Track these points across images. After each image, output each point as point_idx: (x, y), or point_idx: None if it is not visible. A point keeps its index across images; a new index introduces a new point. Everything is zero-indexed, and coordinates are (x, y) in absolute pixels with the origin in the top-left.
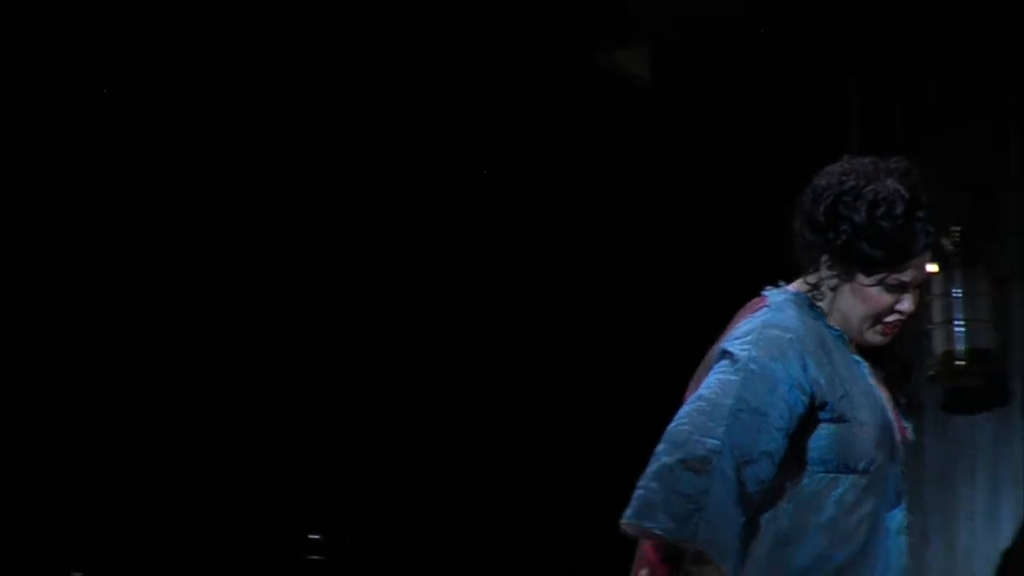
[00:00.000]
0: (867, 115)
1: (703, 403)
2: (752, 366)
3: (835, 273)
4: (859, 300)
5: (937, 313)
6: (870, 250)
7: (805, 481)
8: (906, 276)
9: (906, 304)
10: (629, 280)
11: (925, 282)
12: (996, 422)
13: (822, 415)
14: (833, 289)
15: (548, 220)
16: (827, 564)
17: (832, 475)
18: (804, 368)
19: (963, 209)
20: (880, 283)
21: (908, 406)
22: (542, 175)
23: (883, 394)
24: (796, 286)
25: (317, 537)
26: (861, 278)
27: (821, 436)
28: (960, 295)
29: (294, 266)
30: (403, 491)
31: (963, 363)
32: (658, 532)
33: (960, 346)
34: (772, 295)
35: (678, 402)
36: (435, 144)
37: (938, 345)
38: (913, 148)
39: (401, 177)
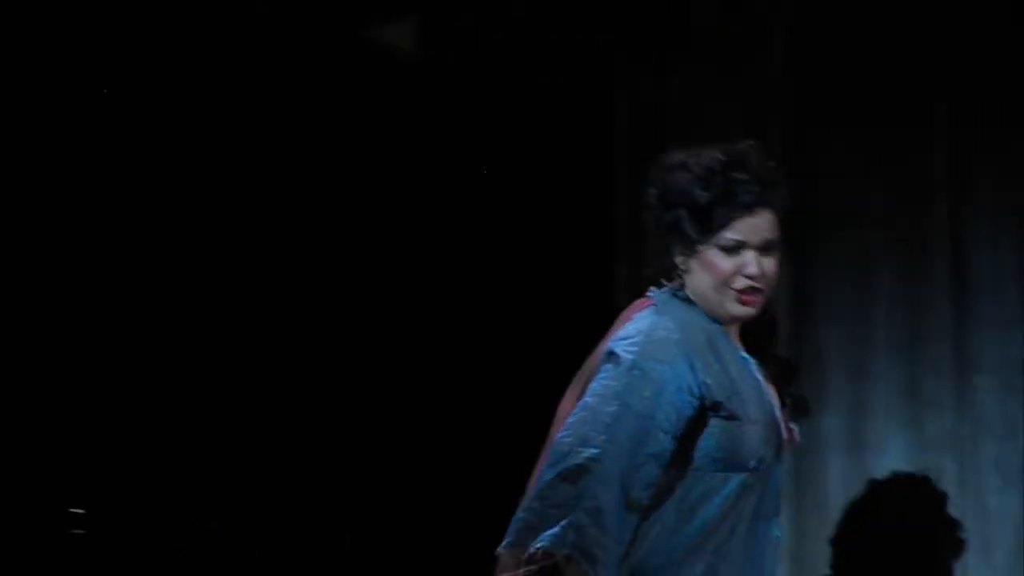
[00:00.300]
0: (633, 91)
1: (585, 412)
2: (637, 370)
3: (680, 252)
4: (705, 271)
5: None
6: (693, 213)
7: (693, 481)
8: (738, 234)
9: (752, 267)
10: (406, 265)
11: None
12: None
13: (712, 415)
14: (686, 272)
15: (310, 205)
16: (705, 560)
17: (722, 474)
18: (692, 368)
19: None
20: (716, 246)
21: (794, 408)
22: (309, 157)
23: (771, 392)
24: (673, 284)
25: (80, 511)
26: (699, 249)
27: (711, 435)
28: None
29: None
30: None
31: None
32: (538, 549)
33: None
34: (657, 295)
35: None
36: (191, 130)
37: None
38: (675, 127)
39: (155, 164)
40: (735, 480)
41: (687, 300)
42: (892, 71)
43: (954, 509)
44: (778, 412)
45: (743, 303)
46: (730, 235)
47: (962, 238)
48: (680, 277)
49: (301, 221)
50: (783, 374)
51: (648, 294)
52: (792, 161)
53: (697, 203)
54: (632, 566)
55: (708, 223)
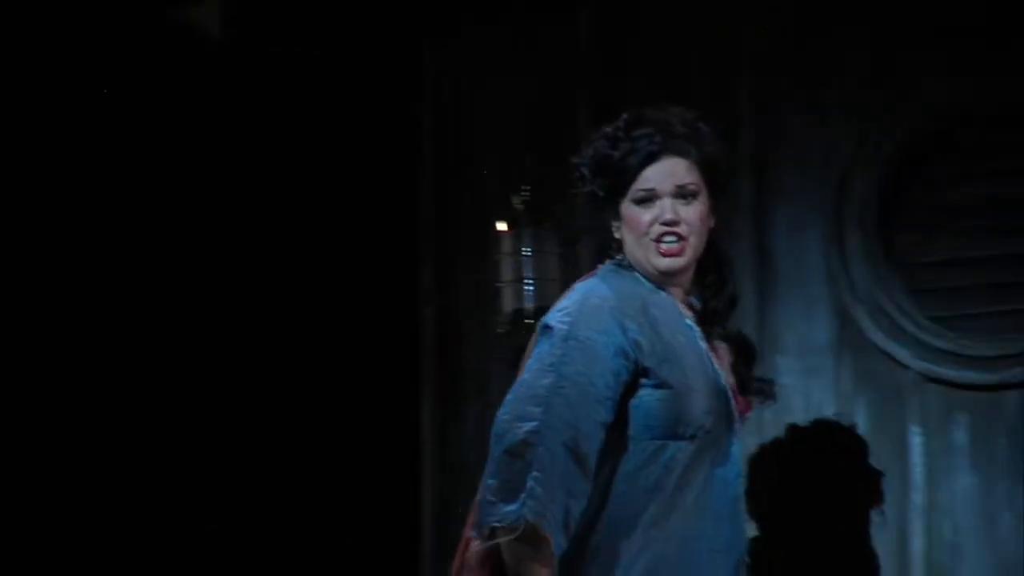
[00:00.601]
0: (440, 71)
1: (522, 388)
2: (572, 340)
3: (613, 221)
4: (628, 231)
5: (507, 272)
6: (607, 176)
7: (632, 448)
8: (646, 183)
9: (666, 213)
10: (200, 249)
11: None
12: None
13: (644, 381)
14: (619, 236)
15: (108, 190)
16: (654, 527)
17: (659, 441)
18: (625, 333)
19: (532, 169)
20: (631, 201)
21: (759, 392)
22: (111, 141)
23: (721, 363)
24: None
25: None
26: (621, 209)
27: (644, 403)
28: (529, 254)
29: None
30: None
31: (532, 321)
32: (498, 523)
33: (529, 304)
34: (602, 267)
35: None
36: None
37: (507, 304)
38: (483, 107)
39: None
40: (672, 448)
41: (629, 268)
42: (697, 49)
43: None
44: (725, 382)
45: (663, 253)
46: (639, 186)
47: (765, 222)
48: (620, 247)
49: (97, 205)
50: (738, 354)
51: (598, 266)
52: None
53: (607, 165)
54: (582, 535)
55: (621, 181)
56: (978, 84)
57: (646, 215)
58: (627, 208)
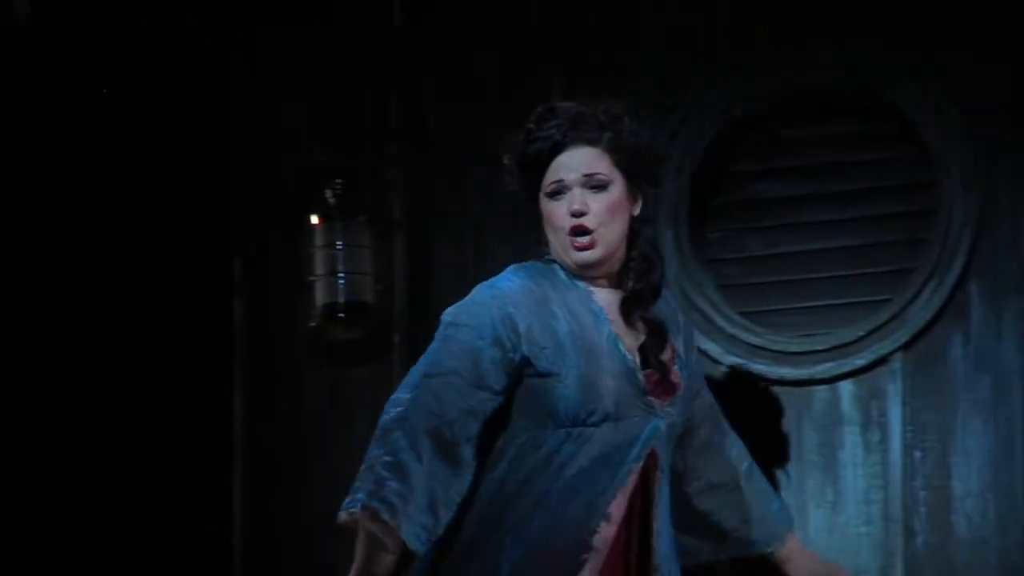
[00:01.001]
0: (252, 62)
1: (405, 377)
2: (450, 329)
3: (537, 215)
4: (547, 224)
5: (319, 265)
6: (519, 175)
7: (520, 436)
8: (554, 174)
9: (576, 204)
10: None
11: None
12: (377, 374)
13: (528, 371)
14: (544, 230)
15: None
16: (539, 514)
17: (543, 430)
18: (506, 324)
19: (344, 161)
20: (546, 195)
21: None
22: None
23: (630, 347)
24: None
25: None
26: (540, 203)
27: (528, 391)
28: (342, 247)
29: None
30: None
31: (344, 315)
32: (356, 511)
33: (342, 298)
34: (531, 261)
35: None
36: None
37: (320, 297)
38: (295, 100)
39: None
40: (560, 434)
41: (552, 261)
42: (507, 44)
43: None
44: (633, 364)
45: (576, 247)
46: (549, 178)
47: None
48: (546, 243)
49: None
50: (651, 330)
51: None
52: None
53: (522, 160)
54: (476, 519)
55: (535, 176)
56: (784, 82)
57: (559, 208)
58: (543, 203)
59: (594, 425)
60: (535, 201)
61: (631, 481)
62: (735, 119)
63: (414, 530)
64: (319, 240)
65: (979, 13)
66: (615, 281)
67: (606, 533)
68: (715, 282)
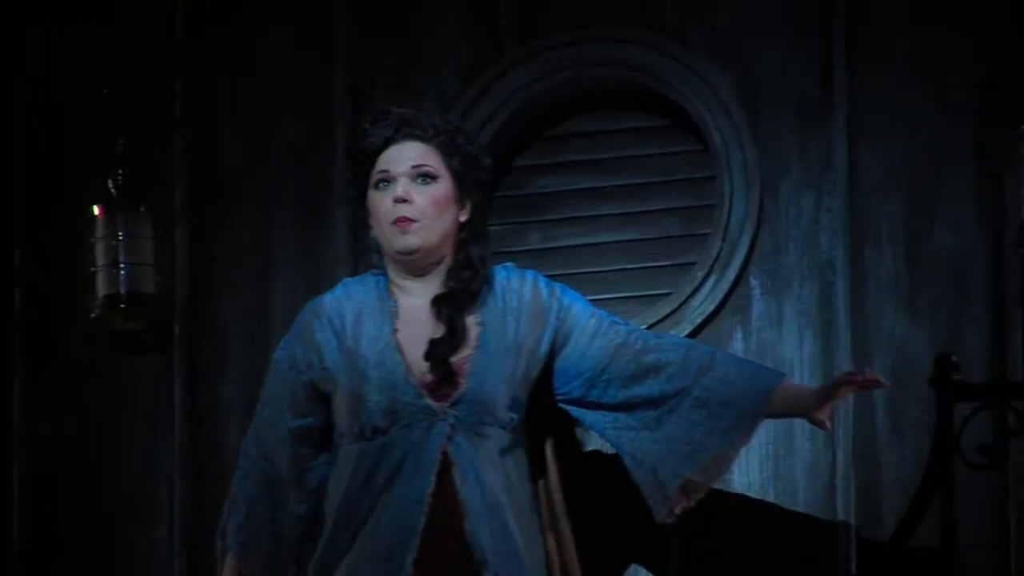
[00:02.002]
0: (34, 51)
1: None
2: (276, 356)
3: (368, 218)
4: (374, 218)
5: (101, 256)
6: (353, 166)
7: (336, 452)
8: (384, 165)
9: (400, 190)
10: None
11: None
12: (157, 365)
13: (323, 388)
14: (375, 234)
15: None
16: (336, 528)
17: (347, 444)
18: (305, 340)
19: (127, 151)
20: (372, 188)
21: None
22: None
23: (406, 357)
24: None
25: None
26: (368, 199)
27: (332, 409)
28: (124, 237)
29: None
30: None
31: (125, 306)
32: (219, 545)
33: (123, 289)
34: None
35: None
36: None
37: (102, 288)
38: (78, 89)
39: None
40: (355, 448)
41: (381, 273)
42: (293, 38)
43: None
44: (404, 373)
45: (401, 228)
46: (375, 170)
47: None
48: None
49: None
50: (449, 335)
51: None
52: (193, 123)
53: (354, 156)
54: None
55: (364, 170)
56: (567, 75)
57: (384, 198)
58: (370, 197)
59: (369, 440)
60: (363, 202)
61: (430, 490)
62: (517, 112)
63: (260, 561)
64: (101, 230)
65: (765, 5)
66: (433, 287)
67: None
68: None
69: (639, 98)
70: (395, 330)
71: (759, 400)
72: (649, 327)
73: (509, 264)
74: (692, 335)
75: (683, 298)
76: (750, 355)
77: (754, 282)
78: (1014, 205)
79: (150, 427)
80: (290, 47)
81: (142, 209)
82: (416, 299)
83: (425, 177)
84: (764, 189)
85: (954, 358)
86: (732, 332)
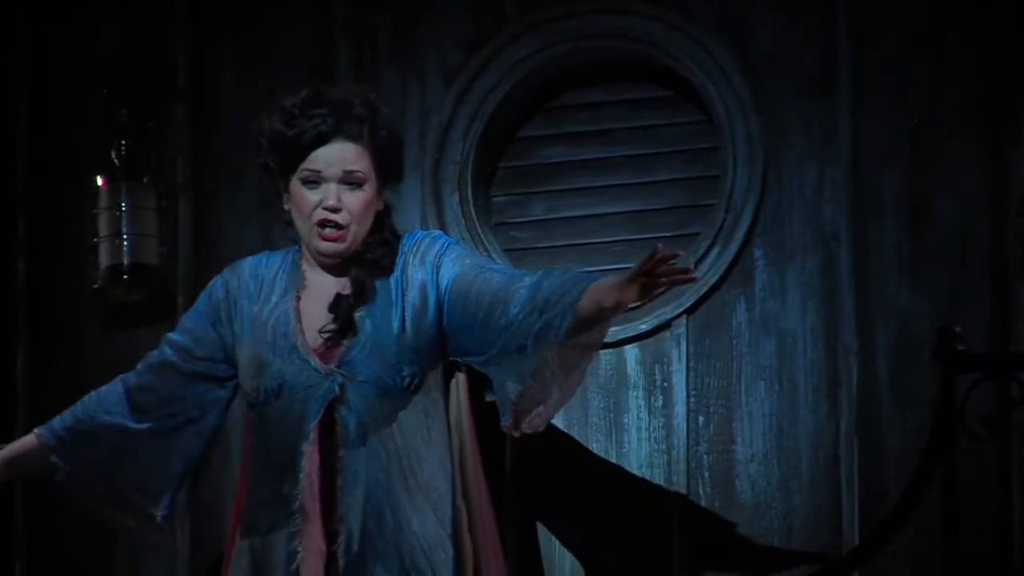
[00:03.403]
0: (35, 20)
1: None
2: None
3: (282, 191)
4: (296, 209)
5: (104, 227)
6: (279, 152)
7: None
8: (314, 164)
9: (330, 199)
10: None
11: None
12: (159, 336)
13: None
14: (288, 209)
15: None
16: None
17: (250, 407)
18: (220, 302)
19: (130, 122)
20: (300, 180)
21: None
22: None
23: (302, 325)
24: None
25: None
26: (291, 185)
27: (238, 369)
28: (127, 208)
29: None
30: None
31: (128, 277)
32: None
33: (126, 260)
34: None
35: None
36: None
37: (104, 259)
38: (80, 58)
39: None
40: (257, 412)
41: (294, 246)
42: (303, 8)
43: None
44: (298, 337)
45: (323, 238)
46: (307, 166)
47: None
48: (292, 224)
49: None
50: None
51: None
52: (196, 94)
53: (280, 141)
54: None
55: (291, 158)
56: (570, 46)
57: (312, 197)
58: (295, 186)
59: (264, 404)
60: (283, 178)
61: (310, 453)
62: (521, 83)
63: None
64: (104, 201)
65: None
66: (347, 264)
67: (306, 509)
68: (501, 246)
69: (642, 69)
70: (298, 298)
71: (570, 300)
72: (653, 298)
73: (419, 231)
74: (696, 306)
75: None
76: (754, 326)
77: (757, 253)
78: (1016, 176)
79: None
80: (292, 19)
81: (145, 180)
82: (324, 275)
83: (355, 183)
84: (767, 160)
85: (957, 329)
86: (735, 303)
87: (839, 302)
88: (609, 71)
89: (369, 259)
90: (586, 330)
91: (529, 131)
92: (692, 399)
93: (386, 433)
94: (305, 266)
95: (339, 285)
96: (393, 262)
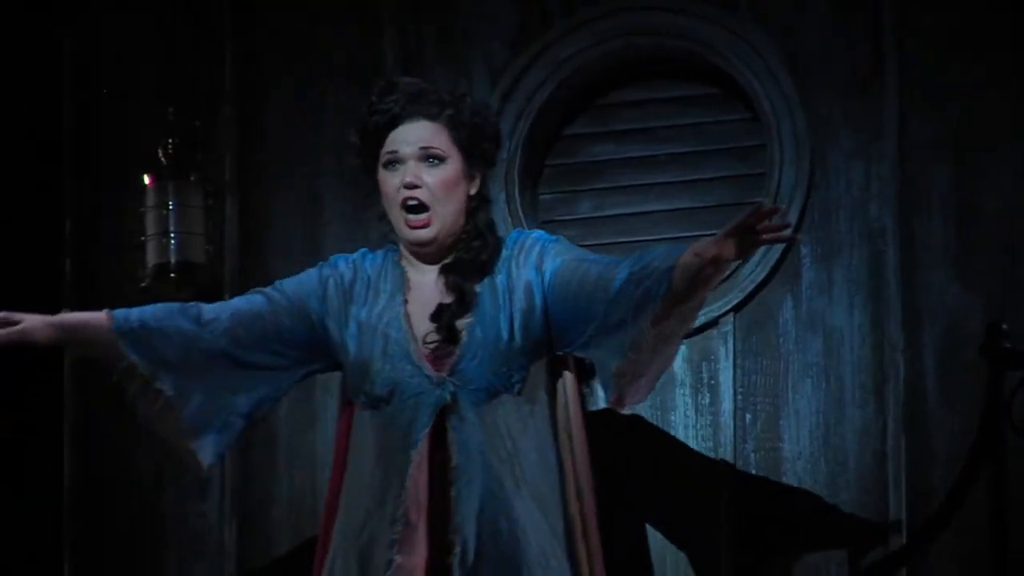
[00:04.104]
0: (82, 20)
1: None
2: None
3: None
4: (383, 196)
5: (151, 225)
6: (361, 141)
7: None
8: (393, 146)
9: (409, 176)
10: None
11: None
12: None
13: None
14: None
15: None
16: (359, 494)
17: (356, 405)
18: (324, 292)
19: (177, 121)
20: (382, 166)
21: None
22: None
23: (413, 329)
24: None
25: None
26: (378, 175)
27: (344, 369)
28: (174, 207)
29: None
30: None
31: (175, 275)
32: None
33: (173, 258)
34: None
35: None
36: None
37: (152, 257)
38: (127, 57)
39: None
40: (367, 416)
41: (393, 245)
42: (348, 10)
43: None
44: (410, 343)
45: (410, 225)
46: (386, 149)
47: None
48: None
49: None
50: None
51: None
52: (242, 92)
53: (362, 132)
54: None
55: (373, 148)
56: (617, 44)
57: (393, 179)
58: (380, 174)
59: (375, 409)
60: (373, 172)
61: (418, 461)
62: (568, 81)
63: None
64: (151, 200)
65: None
66: (444, 256)
67: (411, 518)
68: None
69: (689, 67)
70: (405, 301)
71: (666, 266)
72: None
73: (521, 231)
74: (743, 303)
75: (734, 266)
76: (800, 324)
77: (804, 250)
78: None
79: None
80: (338, 18)
81: (192, 178)
82: (425, 274)
83: (433, 159)
84: (814, 157)
85: (1004, 326)
86: (783, 300)
87: (886, 299)
88: (655, 69)
89: (465, 258)
90: (683, 299)
91: (576, 129)
92: (739, 397)
93: (497, 440)
94: (406, 265)
95: (440, 288)
96: (491, 259)
